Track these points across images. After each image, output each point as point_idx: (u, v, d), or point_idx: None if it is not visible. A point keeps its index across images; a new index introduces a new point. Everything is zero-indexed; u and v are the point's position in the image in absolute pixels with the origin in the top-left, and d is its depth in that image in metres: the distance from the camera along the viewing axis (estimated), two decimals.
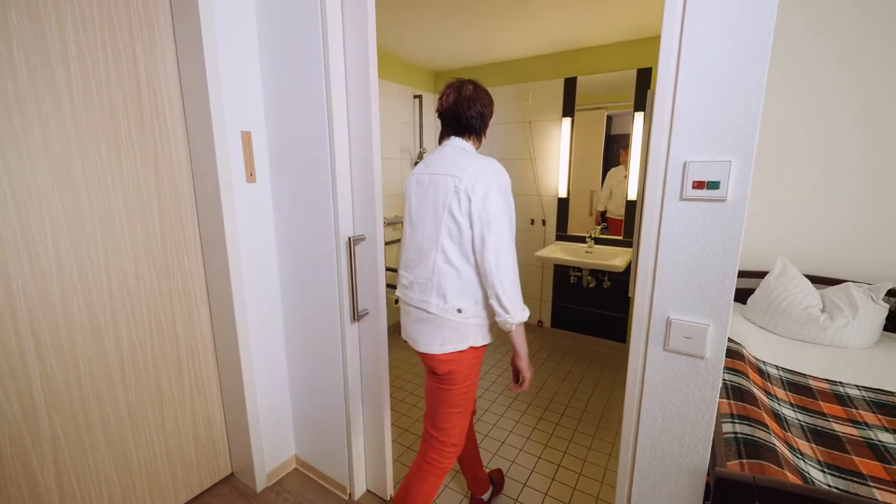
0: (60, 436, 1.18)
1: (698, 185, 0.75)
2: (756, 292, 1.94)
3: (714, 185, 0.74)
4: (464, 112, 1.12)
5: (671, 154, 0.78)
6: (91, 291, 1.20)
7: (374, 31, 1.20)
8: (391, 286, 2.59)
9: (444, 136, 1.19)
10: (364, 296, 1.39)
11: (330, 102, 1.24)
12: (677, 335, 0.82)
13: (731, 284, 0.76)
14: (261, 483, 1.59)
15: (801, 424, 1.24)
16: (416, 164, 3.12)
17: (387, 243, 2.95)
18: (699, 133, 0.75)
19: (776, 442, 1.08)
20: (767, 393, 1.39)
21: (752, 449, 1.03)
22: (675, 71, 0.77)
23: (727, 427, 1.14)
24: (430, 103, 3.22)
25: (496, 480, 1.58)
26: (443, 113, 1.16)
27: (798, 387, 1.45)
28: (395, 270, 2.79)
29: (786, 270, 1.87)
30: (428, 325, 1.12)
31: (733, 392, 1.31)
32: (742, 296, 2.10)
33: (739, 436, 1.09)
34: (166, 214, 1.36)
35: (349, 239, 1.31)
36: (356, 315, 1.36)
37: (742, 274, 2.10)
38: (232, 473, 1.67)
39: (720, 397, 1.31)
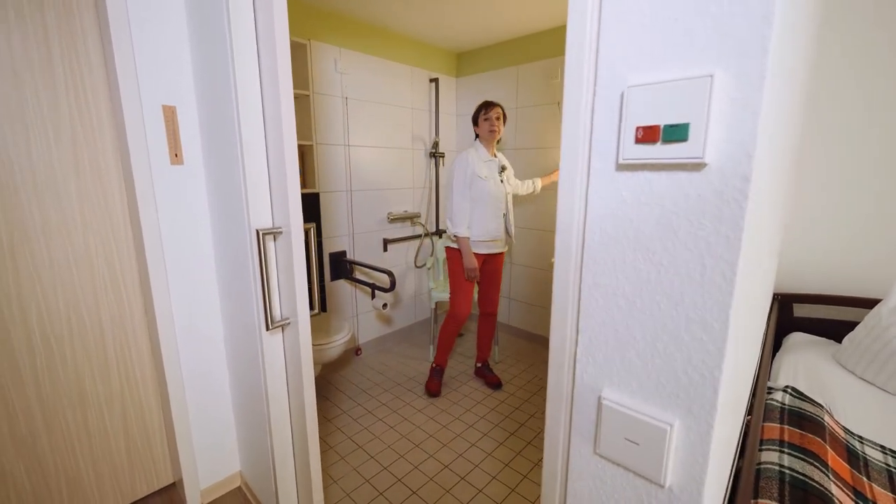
0: None
1: (648, 134, 0.37)
2: (858, 328, 1.34)
3: (678, 133, 0.35)
4: None
5: (599, 74, 0.40)
6: None
7: None
8: (379, 288, 2.33)
9: None
10: (285, 302, 1.15)
11: (234, 69, 1.01)
12: (614, 433, 0.43)
13: (721, 344, 0.36)
14: (193, 500, 1.43)
15: None
16: (433, 154, 2.83)
17: (405, 239, 2.72)
18: (652, 24, 0.36)
19: None
20: (858, 494, 0.88)
21: None
22: None
23: None
24: (449, 87, 2.89)
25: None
26: None
27: None
28: (378, 269, 2.46)
29: None
30: None
31: (792, 493, 0.83)
32: (837, 330, 1.48)
33: None
34: (87, 199, 1.24)
35: (257, 232, 1.07)
36: (270, 323, 1.12)
37: (838, 300, 1.48)
38: (173, 483, 1.54)
39: (768, 497, 0.83)
